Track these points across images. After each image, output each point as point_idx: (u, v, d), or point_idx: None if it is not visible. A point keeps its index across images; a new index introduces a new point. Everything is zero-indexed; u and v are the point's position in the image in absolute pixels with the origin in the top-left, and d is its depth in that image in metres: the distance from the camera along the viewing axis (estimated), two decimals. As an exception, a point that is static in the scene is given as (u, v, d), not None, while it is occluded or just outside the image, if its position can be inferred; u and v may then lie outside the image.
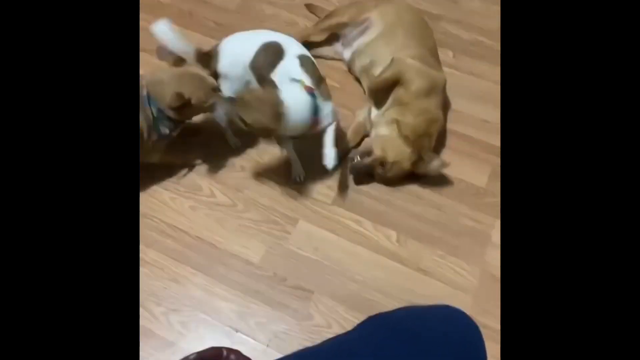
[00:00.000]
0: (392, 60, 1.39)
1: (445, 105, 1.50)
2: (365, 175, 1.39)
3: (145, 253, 1.26)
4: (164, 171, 1.41)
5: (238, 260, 1.26)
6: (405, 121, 1.34)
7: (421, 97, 1.36)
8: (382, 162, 1.33)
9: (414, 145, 1.32)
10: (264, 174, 1.42)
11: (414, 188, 1.40)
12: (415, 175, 1.38)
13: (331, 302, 1.21)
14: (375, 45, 1.48)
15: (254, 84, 1.29)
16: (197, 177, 1.40)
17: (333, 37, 1.64)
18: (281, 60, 1.24)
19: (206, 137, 1.47)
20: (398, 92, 1.38)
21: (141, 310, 1.17)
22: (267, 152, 1.46)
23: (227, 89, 1.29)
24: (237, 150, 1.46)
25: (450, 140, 1.51)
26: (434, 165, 1.33)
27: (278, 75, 1.23)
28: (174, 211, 1.34)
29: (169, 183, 1.39)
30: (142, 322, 1.16)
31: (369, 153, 1.35)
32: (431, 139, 1.37)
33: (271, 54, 1.26)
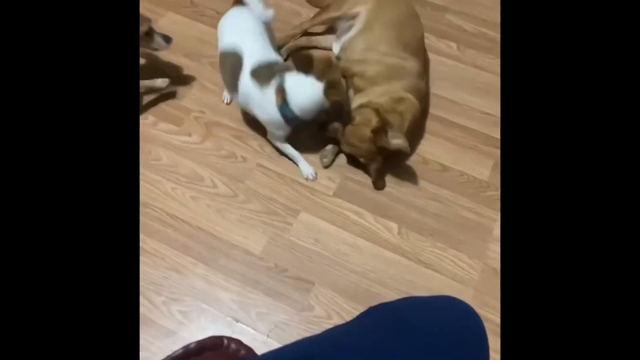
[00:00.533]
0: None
1: (426, 92, 1.51)
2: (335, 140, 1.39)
3: (146, 242, 1.26)
4: (167, 161, 1.41)
5: (239, 251, 1.26)
6: (372, 100, 1.35)
7: (378, 83, 1.37)
8: (345, 124, 1.34)
9: (380, 117, 1.30)
10: (265, 164, 1.41)
11: (415, 180, 1.40)
12: (385, 155, 1.34)
13: (331, 293, 1.21)
14: (356, 40, 1.47)
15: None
16: (199, 167, 1.40)
17: (330, 29, 1.63)
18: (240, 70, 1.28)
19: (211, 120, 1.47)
20: (354, 82, 1.41)
21: (141, 299, 1.17)
22: (269, 144, 1.45)
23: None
24: (239, 141, 1.45)
25: (452, 133, 1.50)
26: (394, 141, 1.27)
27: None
28: (175, 201, 1.34)
29: (170, 173, 1.38)
30: (143, 310, 1.16)
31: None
32: (402, 117, 1.34)
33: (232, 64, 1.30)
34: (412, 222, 1.33)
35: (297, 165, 1.39)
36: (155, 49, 1.42)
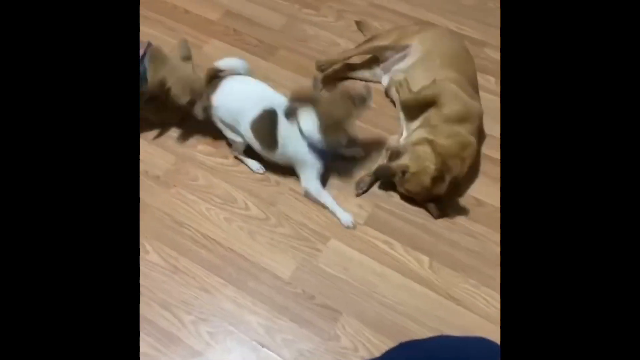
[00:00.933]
0: (434, 81, 1.39)
1: (481, 136, 1.48)
2: (388, 181, 1.38)
3: (179, 261, 1.29)
4: (203, 181, 1.45)
5: (268, 275, 1.27)
6: (437, 141, 1.32)
7: (452, 122, 1.34)
8: (404, 170, 1.31)
9: (442, 165, 1.28)
10: (297, 189, 1.43)
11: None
12: (437, 198, 1.34)
13: (358, 324, 1.19)
14: (413, 70, 1.48)
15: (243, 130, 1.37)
16: (233, 189, 1.43)
17: (374, 60, 1.65)
18: (278, 122, 1.32)
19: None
20: (430, 113, 1.38)
21: (171, 317, 1.19)
22: (302, 169, 1.47)
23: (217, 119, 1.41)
24: (273, 165, 1.48)
25: (487, 167, 1.48)
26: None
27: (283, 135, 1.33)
28: (209, 221, 1.37)
29: (205, 194, 1.42)
30: (172, 329, 1.18)
31: (397, 156, 1.34)
32: (463, 163, 1.34)
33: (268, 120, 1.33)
34: (443, 256, 1.31)
35: (336, 215, 1.36)
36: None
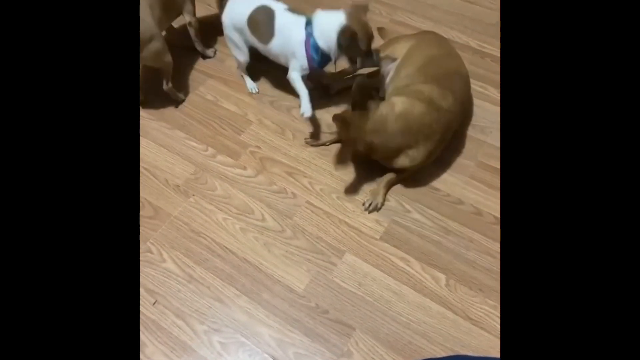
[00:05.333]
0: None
1: (452, 113, 1.40)
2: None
3: (195, 270, 1.30)
4: (221, 191, 1.46)
5: (282, 287, 1.26)
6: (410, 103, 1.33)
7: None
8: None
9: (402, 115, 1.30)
10: (313, 202, 1.43)
11: (466, 231, 1.36)
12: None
13: (372, 341, 1.17)
14: (392, 79, 1.50)
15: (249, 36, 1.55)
16: (250, 200, 1.44)
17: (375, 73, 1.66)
18: (274, 17, 1.49)
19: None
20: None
21: (185, 326, 1.20)
22: (319, 182, 1.48)
23: (226, 36, 1.61)
24: (291, 177, 1.49)
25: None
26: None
27: (278, 28, 1.49)
28: (225, 231, 1.38)
29: (222, 204, 1.44)
30: (185, 338, 1.18)
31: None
32: (431, 135, 1.33)
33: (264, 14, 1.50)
34: (460, 275, 1.28)
35: (301, 101, 1.49)
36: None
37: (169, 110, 1.68)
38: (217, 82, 1.77)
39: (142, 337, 1.18)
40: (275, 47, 1.51)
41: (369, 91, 1.31)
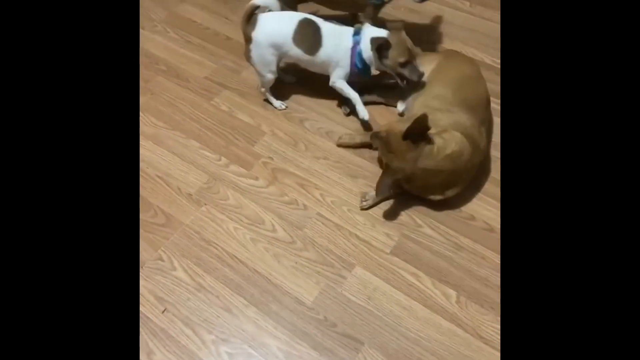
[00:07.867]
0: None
1: (483, 147, 1.40)
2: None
3: (205, 279, 1.30)
4: (232, 201, 1.47)
5: (290, 299, 1.26)
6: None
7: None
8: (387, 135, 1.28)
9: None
10: (324, 214, 1.43)
11: (478, 247, 1.34)
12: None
13: (381, 357, 1.15)
14: (416, 97, 1.51)
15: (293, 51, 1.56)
16: (261, 210, 1.45)
17: (392, 86, 1.67)
18: (319, 28, 1.53)
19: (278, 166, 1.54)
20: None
21: (192, 335, 1.20)
22: (330, 194, 1.48)
23: (257, 54, 1.57)
24: (302, 189, 1.49)
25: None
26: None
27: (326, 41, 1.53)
28: (236, 241, 1.38)
29: (234, 213, 1.44)
30: (192, 347, 1.18)
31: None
32: (444, 140, 1.28)
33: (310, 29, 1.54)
34: (472, 292, 1.26)
35: (356, 108, 1.58)
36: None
37: (185, 120, 1.71)
38: (232, 93, 1.79)
39: (150, 344, 1.18)
40: (322, 56, 1.55)
41: (427, 122, 1.24)
